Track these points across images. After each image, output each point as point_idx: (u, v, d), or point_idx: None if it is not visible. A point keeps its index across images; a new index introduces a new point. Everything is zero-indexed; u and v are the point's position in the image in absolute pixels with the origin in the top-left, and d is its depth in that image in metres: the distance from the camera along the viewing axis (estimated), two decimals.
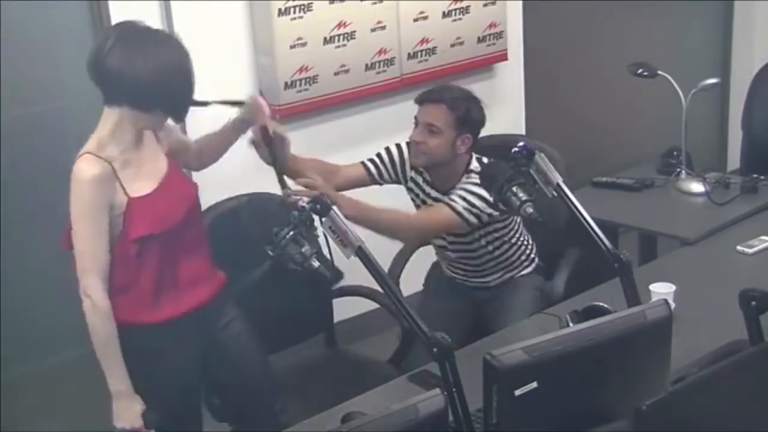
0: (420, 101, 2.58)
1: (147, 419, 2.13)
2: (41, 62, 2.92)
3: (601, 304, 2.20)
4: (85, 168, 2.07)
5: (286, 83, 3.22)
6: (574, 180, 2.58)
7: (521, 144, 2.24)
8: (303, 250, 1.95)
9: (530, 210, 2.16)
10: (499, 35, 3.78)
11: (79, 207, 2.08)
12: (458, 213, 2.49)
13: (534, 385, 1.61)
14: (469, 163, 2.61)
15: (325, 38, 3.28)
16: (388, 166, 2.67)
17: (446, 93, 2.56)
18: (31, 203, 2.96)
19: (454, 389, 1.77)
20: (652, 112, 4.31)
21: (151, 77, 2.05)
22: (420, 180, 2.67)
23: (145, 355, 2.15)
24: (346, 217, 2.02)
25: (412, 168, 2.65)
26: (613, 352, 1.72)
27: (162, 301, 2.17)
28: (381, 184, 2.69)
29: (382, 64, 3.47)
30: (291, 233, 1.96)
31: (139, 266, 2.13)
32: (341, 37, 3.32)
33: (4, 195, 2.89)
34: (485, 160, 2.60)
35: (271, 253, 2.00)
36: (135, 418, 2.13)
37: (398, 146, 2.68)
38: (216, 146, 2.43)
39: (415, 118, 2.58)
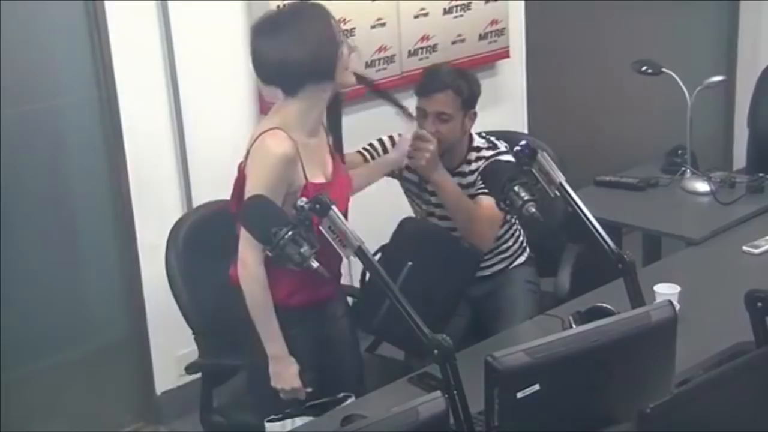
0: (424, 92, 2.58)
1: (304, 379, 2.22)
2: (37, 60, 2.92)
3: (604, 305, 2.20)
4: (277, 144, 2.14)
5: None
6: (577, 179, 2.58)
7: (523, 143, 2.24)
8: (302, 250, 1.95)
9: (532, 210, 2.17)
10: (501, 32, 3.79)
11: (262, 179, 2.13)
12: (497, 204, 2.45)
13: (536, 387, 1.61)
14: (471, 140, 2.64)
15: None
16: (382, 154, 2.66)
17: (447, 78, 2.57)
18: (29, 202, 2.97)
19: (455, 391, 1.77)
20: (656, 110, 4.31)
21: (322, 48, 2.14)
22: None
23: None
24: (446, 194, 2.19)
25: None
26: (616, 354, 1.72)
27: (302, 288, 2.24)
28: None
29: (381, 61, 3.47)
30: (290, 233, 1.96)
31: None
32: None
33: (4, 194, 2.89)
34: (483, 134, 2.65)
35: (269, 253, 2.01)
36: (292, 378, 2.21)
37: (391, 137, 2.68)
38: (359, 180, 2.50)
39: (420, 109, 2.58)
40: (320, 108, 2.23)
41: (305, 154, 2.18)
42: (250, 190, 2.12)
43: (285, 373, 2.22)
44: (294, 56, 2.12)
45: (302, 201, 1.98)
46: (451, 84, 2.56)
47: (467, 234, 2.56)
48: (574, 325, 2.20)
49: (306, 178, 2.18)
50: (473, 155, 2.66)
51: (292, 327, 2.24)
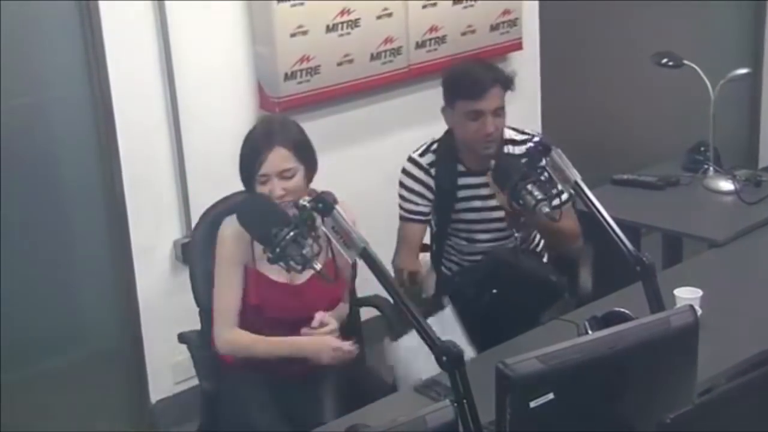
0: (478, 93, 2.59)
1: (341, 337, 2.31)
2: (24, 53, 2.92)
3: (622, 310, 2.20)
4: (226, 224, 2.40)
5: (285, 74, 3.23)
6: (593, 177, 2.58)
7: (537, 139, 2.24)
8: (304, 251, 1.96)
9: (546, 210, 2.17)
10: (514, 23, 3.78)
11: (218, 255, 2.43)
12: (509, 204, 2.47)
13: (550, 396, 1.61)
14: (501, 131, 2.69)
15: (327, 26, 3.29)
16: (427, 197, 2.72)
17: (492, 72, 2.63)
18: (16, 202, 2.98)
19: (464, 400, 1.77)
20: (677, 105, 4.30)
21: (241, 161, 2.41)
22: (463, 179, 2.70)
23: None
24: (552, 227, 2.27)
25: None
26: (635, 362, 1.72)
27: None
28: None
29: (388, 53, 3.47)
30: (291, 234, 1.96)
31: None
32: (345, 24, 3.33)
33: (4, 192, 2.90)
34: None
35: (270, 254, 2.01)
36: (327, 347, 2.28)
37: (409, 174, 2.72)
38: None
39: (471, 112, 2.60)
40: None
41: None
42: (217, 269, 2.36)
43: (319, 349, 2.28)
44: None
45: (305, 200, 1.99)
46: (499, 77, 2.62)
47: (553, 246, 2.70)
48: (589, 331, 2.20)
49: (254, 260, 2.32)
50: (509, 148, 2.69)
51: (250, 389, 2.32)
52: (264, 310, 2.33)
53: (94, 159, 3.08)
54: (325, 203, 1.96)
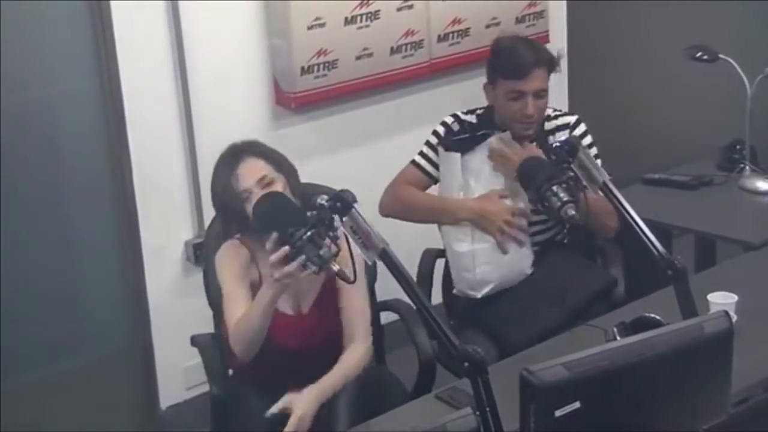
0: (522, 73, 2.59)
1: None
2: (31, 45, 2.94)
3: (652, 315, 2.19)
4: (225, 245, 2.45)
5: (302, 68, 3.23)
6: (623, 177, 2.57)
7: (563, 138, 2.24)
8: (321, 252, 1.96)
9: (572, 212, 2.16)
10: (540, 15, 3.77)
11: (220, 272, 2.44)
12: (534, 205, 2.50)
13: (576, 405, 1.60)
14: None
15: (346, 18, 3.29)
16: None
17: (538, 53, 2.63)
18: (23, 201, 3.00)
19: (487, 408, 1.77)
20: (711, 101, 4.27)
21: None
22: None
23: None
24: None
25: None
26: (666, 370, 1.71)
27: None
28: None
29: (409, 47, 3.47)
30: (308, 234, 1.96)
31: None
32: (364, 17, 3.33)
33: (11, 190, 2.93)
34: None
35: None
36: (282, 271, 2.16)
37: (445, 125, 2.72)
38: None
39: (512, 92, 2.61)
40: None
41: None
42: (223, 291, 2.35)
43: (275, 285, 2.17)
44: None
45: (322, 198, 1.99)
46: (543, 58, 2.63)
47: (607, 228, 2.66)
48: (618, 337, 2.19)
49: (260, 282, 2.29)
50: (552, 124, 2.72)
51: (261, 396, 2.31)
52: (271, 341, 2.30)
53: (104, 157, 3.10)
54: (343, 202, 1.96)
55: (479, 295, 2.64)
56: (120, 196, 3.12)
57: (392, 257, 1.94)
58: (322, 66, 3.27)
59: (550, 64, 2.65)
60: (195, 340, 2.62)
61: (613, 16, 4.22)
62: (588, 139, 2.71)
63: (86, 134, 3.09)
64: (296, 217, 2.01)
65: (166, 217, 3.19)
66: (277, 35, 3.24)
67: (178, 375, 3.26)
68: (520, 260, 2.65)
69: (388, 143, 3.56)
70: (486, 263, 2.61)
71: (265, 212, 2.11)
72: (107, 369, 3.25)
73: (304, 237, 1.96)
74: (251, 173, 2.30)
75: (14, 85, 2.91)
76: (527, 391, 1.60)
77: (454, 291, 2.71)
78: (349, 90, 3.38)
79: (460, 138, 2.68)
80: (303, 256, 2.00)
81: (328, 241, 1.99)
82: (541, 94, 2.62)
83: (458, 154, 2.64)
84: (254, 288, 2.32)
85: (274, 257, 2.05)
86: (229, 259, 2.36)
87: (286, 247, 2.00)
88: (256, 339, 2.25)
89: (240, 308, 2.29)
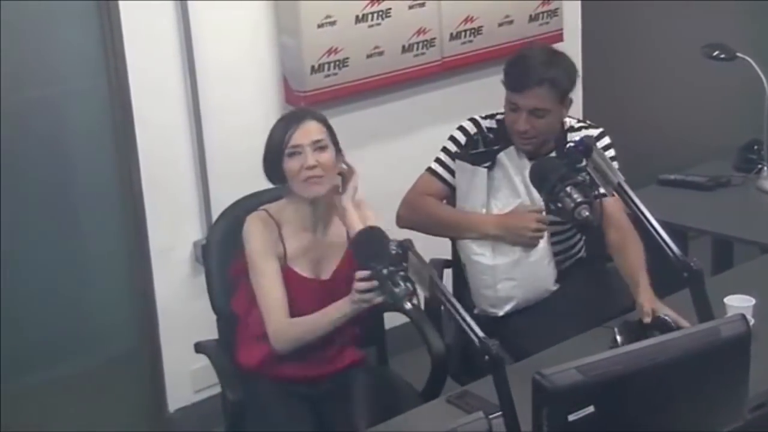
0: (517, 87, 2.55)
1: None
2: (38, 42, 2.95)
3: (666, 317, 2.18)
4: (251, 216, 2.49)
5: (312, 67, 3.24)
6: (638, 177, 2.56)
7: (577, 138, 2.23)
8: (396, 290, 2.05)
9: (586, 213, 2.16)
10: (554, 13, 3.77)
11: (249, 244, 2.47)
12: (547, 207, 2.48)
13: (590, 409, 1.60)
14: (563, 121, 2.65)
15: (357, 16, 3.29)
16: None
17: (542, 70, 2.52)
18: (29, 200, 3.02)
19: (506, 408, 1.78)
20: (728, 100, 4.26)
21: (267, 152, 2.47)
22: None
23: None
24: None
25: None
26: (681, 374, 1.71)
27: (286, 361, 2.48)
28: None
29: (420, 45, 3.47)
30: (386, 271, 2.06)
31: None
32: (375, 15, 3.33)
33: (2, 190, 2.94)
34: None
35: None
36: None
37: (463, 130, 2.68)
38: None
39: (512, 103, 2.57)
40: (302, 206, 2.42)
41: (296, 245, 2.41)
42: (251, 263, 2.40)
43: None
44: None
45: (393, 244, 2.09)
46: (547, 76, 2.52)
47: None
48: (619, 337, 2.20)
49: (285, 256, 2.40)
50: (575, 135, 2.63)
51: (275, 399, 2.37)
52: (293, 307, 2.39)
53: (112, 156, 3.11)
54: (403, 248, 2.08)
55: (501, 313, 2.61)
56: (127, 195, 3.13)
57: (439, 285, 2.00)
58: (332, 65, 3.27)
59: (554, 83, 2.51)
60: (200, 347, 2.60)
61: (628, 14, 4.21)
62: (611, 152, 2.62)
63: (94, 133, 3.10)
64: (383, 254, 2.09)
65: (174, 218, 3.20)
66: (287, 34, 3.25)
67: (186, 378, 3.26)
68: (544, 277, 2.62)
69: (399, 143, 3.56)
70: (507, 279, 2.59)
71: (358, 244, 2.20)
72: (114, 371, 3.26)
73: (383, 274, 2.07)
74: (308, 133, 2.40)
75: (22, 83, 2.93)
76: (540, 395, 1.60)
77: (475, 311, 2.65)
78: (360, 89, 3.38)
79: (478, 152, 2.63)
80: (386, 294, 2.11)
81: (403, 279, 2.09)
82: (539, 113, 2.53)
83: (485, 170, 2.59)
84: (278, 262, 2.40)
85: (363, 285, 2.20)
86: (259, 231, 2.41)
87: (375, 282, 2.16)
88: (308, 342, 2.37)
89: (274, 284, 2.37)
